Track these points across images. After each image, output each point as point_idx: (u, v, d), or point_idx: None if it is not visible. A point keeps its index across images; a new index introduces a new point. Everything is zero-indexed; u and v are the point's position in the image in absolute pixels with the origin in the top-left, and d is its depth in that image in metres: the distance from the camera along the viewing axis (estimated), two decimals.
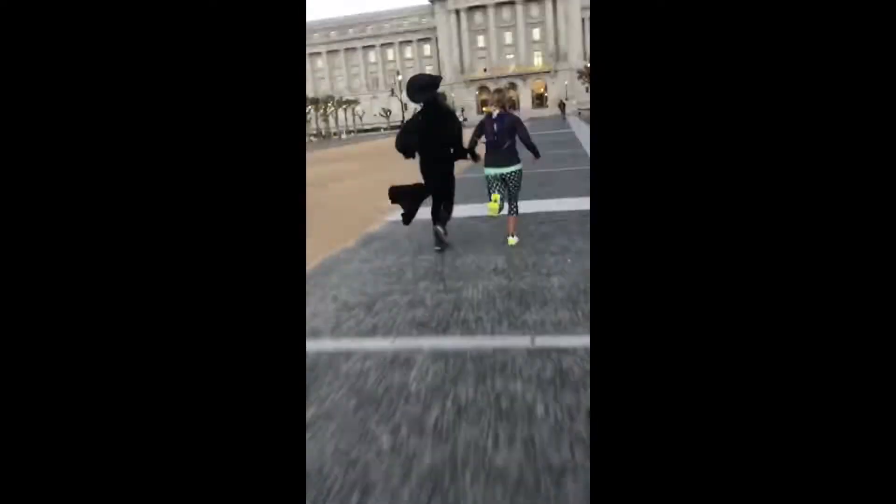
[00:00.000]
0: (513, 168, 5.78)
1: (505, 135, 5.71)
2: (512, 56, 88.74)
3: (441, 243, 5.97)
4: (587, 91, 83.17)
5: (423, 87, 5.84)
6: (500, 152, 5.73)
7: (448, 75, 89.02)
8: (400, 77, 68.29)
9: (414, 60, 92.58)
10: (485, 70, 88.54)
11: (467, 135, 6.10)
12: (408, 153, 5.91)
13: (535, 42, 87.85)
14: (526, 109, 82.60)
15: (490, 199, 5.78)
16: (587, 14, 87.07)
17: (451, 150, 5.88)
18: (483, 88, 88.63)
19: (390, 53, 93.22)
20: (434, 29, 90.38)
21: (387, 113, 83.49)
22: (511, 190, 5.88)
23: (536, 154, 6.04)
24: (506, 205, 5.94)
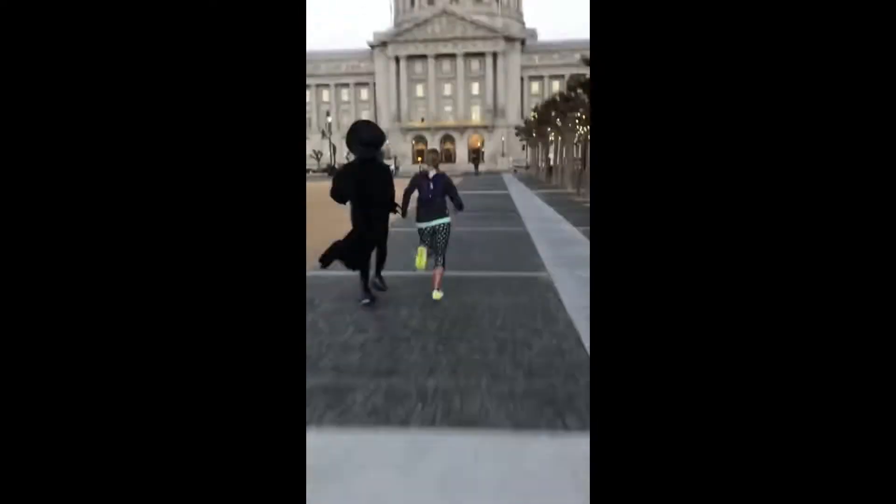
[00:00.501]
0: (443, 220, 6.11)
1: (438, 193, 6.06)
2: (450, 108, 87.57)
3: (370, 296, 5.99)
4: (523, 149, 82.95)
5: (368, 145, 5.91)
6: (433, 208, 6.06)
7: (384, 122, 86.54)
8: (330, 119, 64.93)
9: (350, 104, 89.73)
10: (422, 120, 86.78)
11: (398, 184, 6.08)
12: (343, 201, 6.00)
13: (474, 96, 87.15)
14: (461, 163, 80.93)
15: (418, 249, 6.14)
16: (527, 73, 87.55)
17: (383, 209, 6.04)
18: (419, 138, 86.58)
19: (325, 94, 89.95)
20: (372, 74, 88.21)
21: (317, 155, 79.51)
22: (440, 242, 6.17)
23: (461, 208, 6.31)
24: (432, 260, 6.21)
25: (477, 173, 55.68)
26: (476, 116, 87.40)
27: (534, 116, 44.11)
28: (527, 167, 69.96)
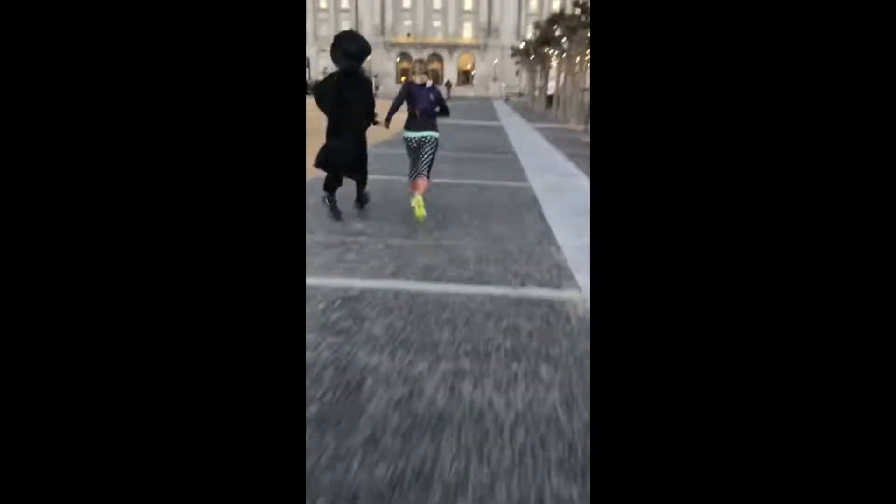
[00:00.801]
0: (433, 133, 6.23)
1: (431, 104, 6.21)
2: (439, 24, 79.49)
3: (337, 214, 6.05)
4: (517, 74, 75.99)
5: (351, 56, 5.86)
6: (425, 118, 6.16)
7: (366, 34, 78.44)
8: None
9: (328, 12, 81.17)
10: (409, 35, 78.84)
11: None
12: (324, 110, 6.03)
13: (466, 12, 78.99)
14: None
15: (410, 174, 6.28)
16: None
17: (364, 120, 6.08)
18: (404, 56, 78.93)
19: None
20: None
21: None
22: (426, 155, 6.21)
23: (447, 113, 6.42)
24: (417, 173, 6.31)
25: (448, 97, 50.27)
26: (468, 34, 79.59)
27: (535, 34, 38.02)
28: (520, 95, 63.60)
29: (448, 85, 55.78)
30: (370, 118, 6.08)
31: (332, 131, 5.97)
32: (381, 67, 75.89)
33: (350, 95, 5.86)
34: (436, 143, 6.23)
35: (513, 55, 42.06)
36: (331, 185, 6.13)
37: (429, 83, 6.25)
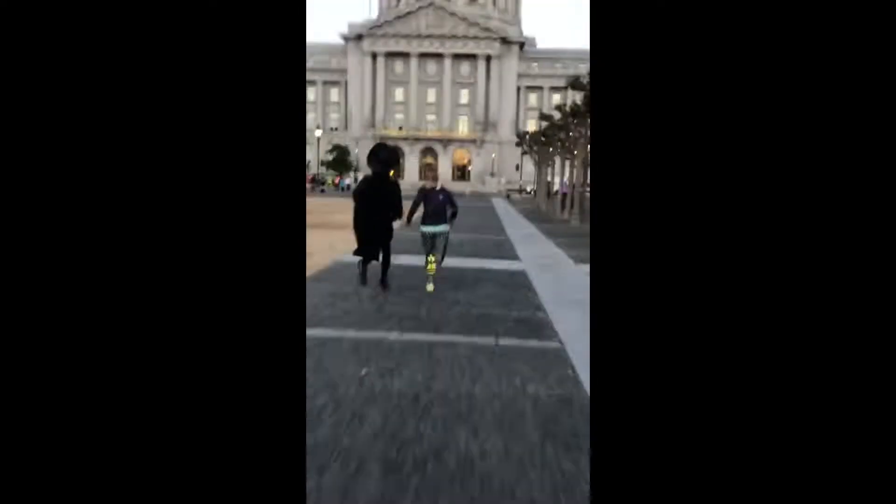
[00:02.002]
0: (445, 227, 7.67)
1: (442, 204, 7.57)
2: (433, 117, 75.25)
3: (364, 280, 7.44)
4: (517, 169, 70.75)
5: (383, 162, 7.40)
6: (437, 216, 7.59)
7: (355, 128, 73.97)
8: None
9: (316, 105, 77.07)
10: (400, 129, 74.28)
11: None
12: (359, 203, 7.38)
13: (461, 105, 75.03)
14: (445, 182, 68.43)
15: (426, 258, 7.58)
16: (524, 83, 75.86)
17: (391, 214, 7.38)
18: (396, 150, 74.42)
19: None
20: (344, 72, 75.65)
21: None
22: (439, 245, 7.63)
23: (455, 216, 7.80)
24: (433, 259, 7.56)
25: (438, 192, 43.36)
26: (464, 128, 75.22)
27: (539, 125, 31.97)
28: (521, 191, 57.29)
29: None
30: (397, 213, 7.38)
31: (360, 221, 7.33)
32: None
33: (382, 195, 7.23)
34: (447, 235, 7.75)
35: (518, 144, 35.97)
36: (365, 260, 7.52)
37: (439, 186, 7.76)
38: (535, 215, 26.06)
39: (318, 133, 48.02)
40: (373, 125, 73.86)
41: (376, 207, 7.13)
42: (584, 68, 33.04)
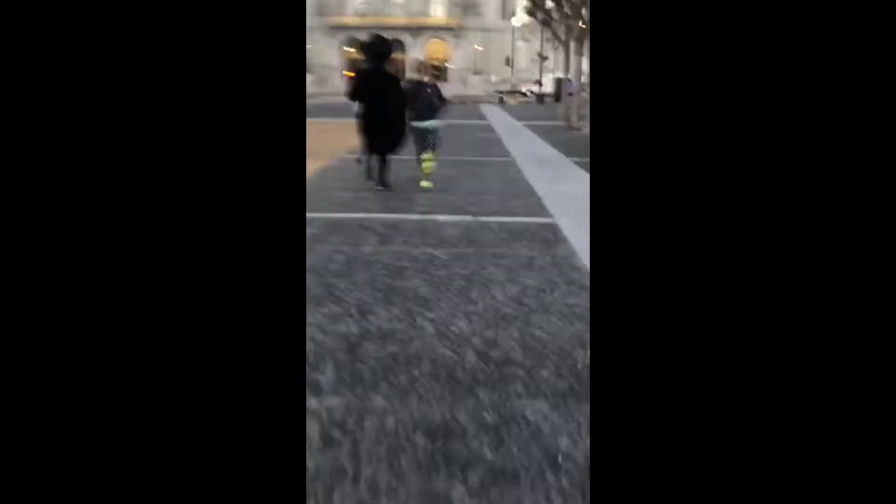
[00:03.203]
0: (436, 122, 7.79)
1: (432, 97, 7.70)
2: (400, 0, 59.83)
3: (385, 184, 7.56)
4: (508, 63, 56.51)
5: (374, 56, 7.38)
6: (429, 109, 7.60)
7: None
8: None
9: None
10: (359, 15, 58.94)
11: None
12: (356, 99, 7.37)
13: None
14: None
15: (418, 156, 7.88)
16: None
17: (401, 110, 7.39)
18: (353, 42, 59.21)
19: None
20: None
21: None
22: (430, 140, 7.77)
23: (445, 101, 8.04)
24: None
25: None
26: (439, 12, 59.99)
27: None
28: (515, 94, 44.01)
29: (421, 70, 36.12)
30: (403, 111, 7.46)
31: (369, 121, 7.30)
32: (322, 57, 55.95)
33: (388, 93, 7.22)
34: (437, 129, 7.83)
35: (530, 13, 22.65)
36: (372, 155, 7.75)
37: (426, 79, 8.29)
38: (546, 133, 15.76)
39: None
40: (322, 12, 58.42)
41: (382, 105, 7.03)
42: None
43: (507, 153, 11.78)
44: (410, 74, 7.23)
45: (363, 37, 45.92)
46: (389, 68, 7.44)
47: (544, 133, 15.31)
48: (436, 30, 59.49)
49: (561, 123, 18.51)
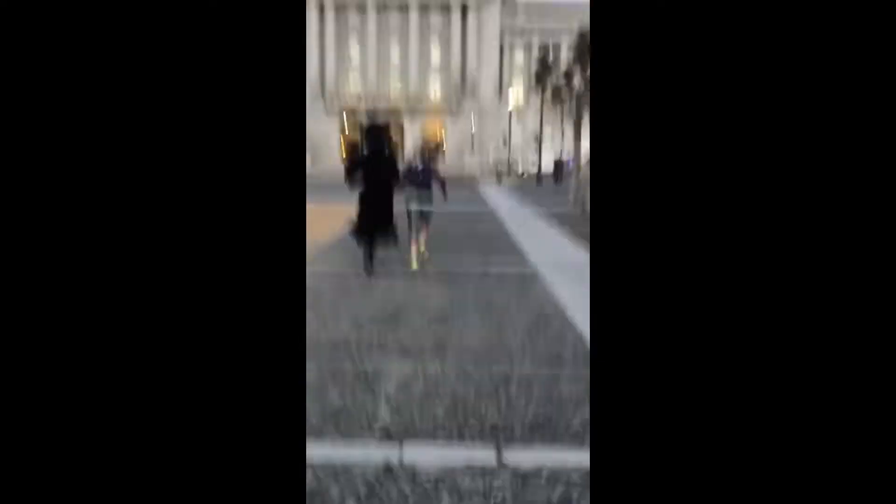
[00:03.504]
0: (430, 207, 7.82)
1: (430, 178, 7.68)
2: (398, 82, 61.02)
3: (370, 268, 7.16)
4: (504, 142, 56.99)
5: (376, 138, 7.51)
6: (423, 194, 7.68)
7: None
8: None
9: None
10: (360, 98, 59.92)
11: None
12: (355, 187, 7.31)
13: (432, 65, 60.87)
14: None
15: (410, 242, 7.52)
16: (508, 40, 62.01)
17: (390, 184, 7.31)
18: (350, 120, 59.85)
19: None
20: None
21: None
22: (424, 222, 7.78)
23: (444, 186, 8.05)
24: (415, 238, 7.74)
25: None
26: (437, 94, 61.16)
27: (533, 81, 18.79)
28: (512, 173, 43.75)
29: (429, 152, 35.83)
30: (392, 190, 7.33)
31: (366, 198, 7.22)
32: (319, 136, 56.31)
33: (381, 168, 7.21)
34: (430, 214, 7.89)
35: (538, 82, 21.64)
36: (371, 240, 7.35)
37: (421, 166, 7.83)
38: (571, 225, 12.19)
39: None
40: (322, 93, 59.39)
41: (376, 187, 7.05)
42: (584, 19, 21.65)
43: (523, 257, 8.55)
44: (410, 154, 7.57)
45: (363, 118, 46.53)
46: (386, 150, 7.48)
47: (558, 223, 12.92)
48: (433, 111, 60.37)
49: (572, 211, 15.80)
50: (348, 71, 60.53)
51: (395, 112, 58.75)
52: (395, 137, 63.69)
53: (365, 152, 7.35)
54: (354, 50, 60.18)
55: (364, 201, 7.06)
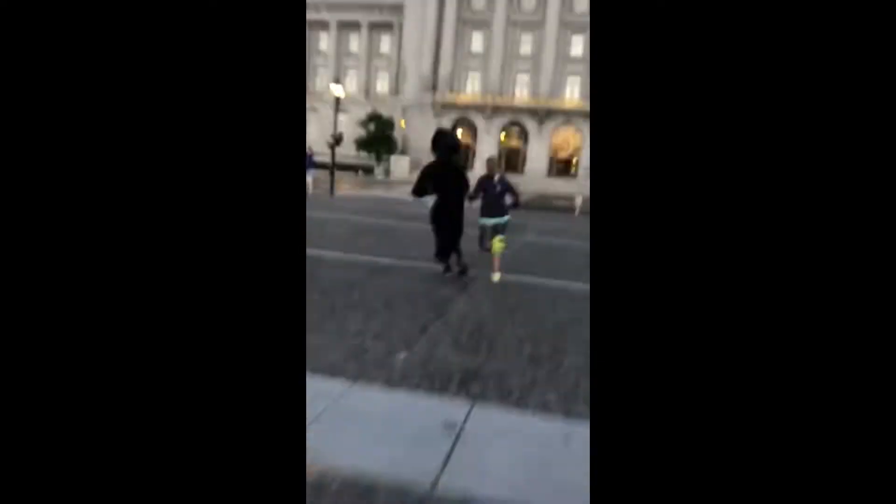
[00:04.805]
0: (505, 218, 7.20)
1: (501, 195, 7.09)
2: (526, 77, 49.45)
3: (449, 269, 7.17)
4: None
5: (447, 148, 7.03)
6: (496, 207, 7.10)
7: (409, 92, 49.98)
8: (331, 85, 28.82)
9: (358, 59, 53.96)
10: (485, 94, 49.19)
11: None
12: (422, 195, 6.99)
13: (573, 59, 48.64)
14: (531, 179, 43.11)
15: (488, 243, 7.21)
16: None
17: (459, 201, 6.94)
18: (462, 122, 49.17)
19: (323, 41, 54.65)
20: (400, 8, 51.56)
21: (337, 142, 36.85)
22: (501, 235, 7.24)
23: (517, 205, 7.37)
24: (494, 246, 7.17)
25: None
26: (574, 94, 48.73)
27: None
28: None
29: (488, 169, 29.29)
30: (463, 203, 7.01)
31: (438, 214, 6.99)
32: (420, 141, 46.22)
33: (453, 185, 6.90)
34: (506, 225, 7.23)
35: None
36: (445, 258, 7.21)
37: (497, 177, 7.12)
38: None
39: (338, 90, 22.67)
40: (434, 86, 49.43)
41: (450, 198, 6.86)
42: None
43: None
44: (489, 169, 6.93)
45: (479, 120, 37.26)
46: (456, 162, 7.18)
47: None
48: (568, 114, 48.09)
49: None
50: (467, 64, 49.99)
51: (518, 114, 47.20)
52: (514, 147, 52.11)
53: (433, 163, 6.99)
54: (477, 39, 49.59)
55: (433, 220, 6.93)
